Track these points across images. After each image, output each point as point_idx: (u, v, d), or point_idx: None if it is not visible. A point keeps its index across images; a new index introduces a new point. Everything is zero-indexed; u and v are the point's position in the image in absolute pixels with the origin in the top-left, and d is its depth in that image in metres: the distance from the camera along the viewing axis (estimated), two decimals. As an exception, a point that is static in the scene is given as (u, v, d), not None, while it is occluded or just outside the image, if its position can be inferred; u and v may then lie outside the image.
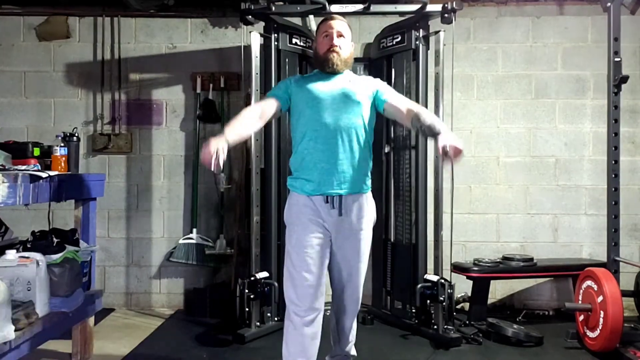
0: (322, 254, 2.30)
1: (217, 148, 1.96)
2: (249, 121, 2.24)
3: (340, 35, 2.35)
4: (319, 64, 2.39)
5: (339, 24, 2.37)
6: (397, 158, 3.72)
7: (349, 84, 2.35)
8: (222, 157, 1.96)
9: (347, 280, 2.41)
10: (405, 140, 3.62)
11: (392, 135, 3.76)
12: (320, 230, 2.30)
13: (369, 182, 2.39)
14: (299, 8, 3.52)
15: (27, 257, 2.43)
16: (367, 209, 2.37)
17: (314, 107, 2.29)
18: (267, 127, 3.48)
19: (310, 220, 2.29)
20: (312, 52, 3.02)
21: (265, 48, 3.50)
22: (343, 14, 3.27)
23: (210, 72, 4.05)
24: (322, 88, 2.33)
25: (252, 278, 3.26)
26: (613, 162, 3.12)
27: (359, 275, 2.41)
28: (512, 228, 4.09)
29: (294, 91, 2.36)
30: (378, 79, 2.49)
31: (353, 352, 2.60)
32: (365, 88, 2.37)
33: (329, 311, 2.58)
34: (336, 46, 2.33)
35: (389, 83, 3.66)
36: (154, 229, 4.12)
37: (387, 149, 3.77)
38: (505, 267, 3.66)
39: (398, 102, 2.34)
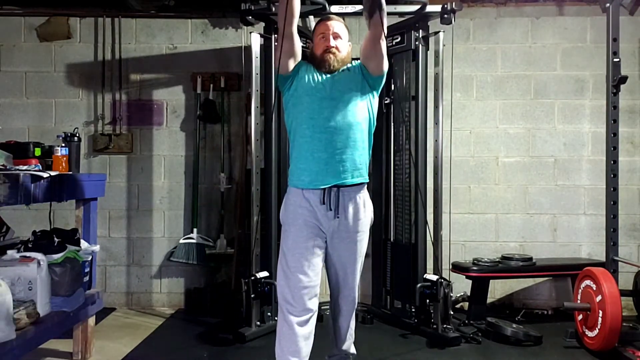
0: (317, 256, 2.29)
1: None
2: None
3: (336, 36, 2.34)
4: (315, 64, 2.38)
5: (335, 25, 2.35)
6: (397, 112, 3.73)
7: (344, 73, 2.34)
8: None
9: (342, 282, 2.42)
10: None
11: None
12: (316, 232, 2.30)
13: (366, 172, 2.37)
14: (299, 9, 3.52)
15: (29, 257, 2.45)
16: (364, 211, 2.36)
17: (313, 96, 2.29)
18: (267, 127, 3.51)
19: (306, 222, 2.29)
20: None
21: (265, 48, 3.51)
22: (343, 15, 3.30)
23: (211, 73, 4.06)
24: (321, 78, 2.33)
25: (253, 277, 3.27)
26: (612, 162, 3.13)
27: (354, 277, 2.42)
28: (511, 228, 4.10)
29: (301, 73, 2.35)
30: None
31: (352, 350, 2.61)
32: (356, 73, 2.36)
33: (328, 311, 2.59)
34: (332, 47, 2.32)
35: (389, 83, 3.69)
36: (154, 229, 4.13)
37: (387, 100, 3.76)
38: (505, 267, 3.67)
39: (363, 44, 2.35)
